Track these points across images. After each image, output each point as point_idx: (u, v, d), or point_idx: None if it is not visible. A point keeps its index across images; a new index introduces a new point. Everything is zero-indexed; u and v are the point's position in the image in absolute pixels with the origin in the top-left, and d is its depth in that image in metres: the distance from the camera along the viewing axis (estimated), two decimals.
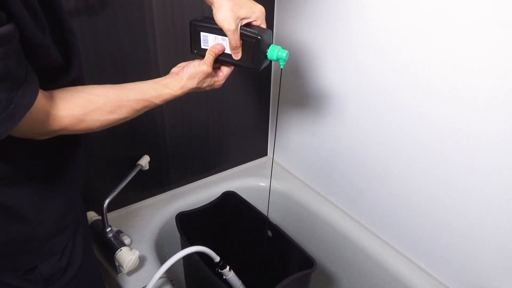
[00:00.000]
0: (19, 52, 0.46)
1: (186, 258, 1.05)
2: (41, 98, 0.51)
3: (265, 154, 1.57)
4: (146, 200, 1.29)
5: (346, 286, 1.28)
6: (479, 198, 0.91)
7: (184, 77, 0.69)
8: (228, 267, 0.99)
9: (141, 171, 1.15)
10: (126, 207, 1.25)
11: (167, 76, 0.70)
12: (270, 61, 0.76)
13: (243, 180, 1.43)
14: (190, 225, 1.08)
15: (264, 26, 0.73)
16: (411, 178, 1.05)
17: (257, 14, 0.72)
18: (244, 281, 1.06)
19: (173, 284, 1.00)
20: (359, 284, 1.22)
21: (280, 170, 1.50)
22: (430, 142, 0.97)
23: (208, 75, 0.71)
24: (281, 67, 0.75)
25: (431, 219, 1.04)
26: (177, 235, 1.06)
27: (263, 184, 1.44)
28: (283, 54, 0.73)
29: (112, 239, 1.01)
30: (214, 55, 0.72)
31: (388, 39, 0.98)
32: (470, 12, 0.81)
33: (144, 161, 1.14)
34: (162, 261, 0.94)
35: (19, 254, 0.63)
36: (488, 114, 0.84)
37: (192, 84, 0.70)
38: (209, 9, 0.71)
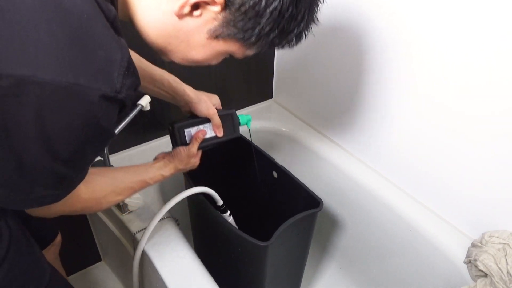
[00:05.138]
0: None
1: (190, 199, 1.05)
2: None
3: (270, 96, 1.52)
4: (148, 142, 1.27)
5: (351, 227, 1.29)
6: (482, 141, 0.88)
7: (174, 161, 0.83)
8: (228, 212, 0.98)
9: (142, 112, 1.11)
10: (128, 150, 1.23)
11: (157, 160, 0.84)
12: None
13: None
14: None
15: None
16: (416, 118, 1.01)
17: (218, 101, 0.93)
18: (250, 222, 1.06)
19: (178, 224, 1.00)
20: (364, 225, 1.23)
21: (284, 112, 1.46)
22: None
23: (193, 157, 0.86)
24: (249, 127, 0.98)
25: (434, 160, 1.02)
26: (181, 178, 1.04)
27: (268, 127, 1.40)
28: (249, 117, 0.97)
29: None
30: (199, 140, 0.87)
31: None
32: None
33: (145, 101, 1.09)
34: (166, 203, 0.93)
35: None
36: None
37: (180, 165, 0.84)
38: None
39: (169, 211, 0.93)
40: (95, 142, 0.49)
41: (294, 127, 1.39)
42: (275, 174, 1.08)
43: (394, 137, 1.11)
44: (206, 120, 0.89)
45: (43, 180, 0.48)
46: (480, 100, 0.88)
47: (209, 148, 0.91)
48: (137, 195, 0.96)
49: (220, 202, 0.96)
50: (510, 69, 0.80)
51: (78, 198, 0.60)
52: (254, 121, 1.40)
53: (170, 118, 1.28)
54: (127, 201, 0.94)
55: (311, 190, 0.97)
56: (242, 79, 1.38)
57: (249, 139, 1.07)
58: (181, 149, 0.85)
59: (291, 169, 1.05)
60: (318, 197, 0.95)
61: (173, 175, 0.84)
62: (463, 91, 0.90)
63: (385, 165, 1.17)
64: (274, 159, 1.08)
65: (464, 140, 0.94)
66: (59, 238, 0.99)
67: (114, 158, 1.19)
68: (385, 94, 1.08)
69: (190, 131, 0.88)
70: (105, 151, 1.01)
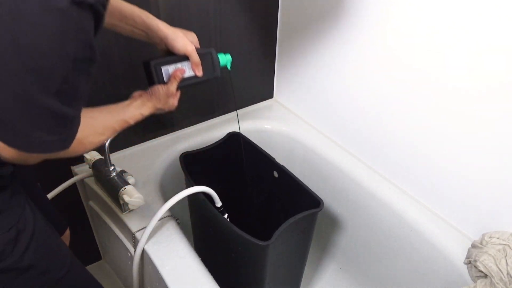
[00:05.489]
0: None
1: (191, 198, 1.05)
2: None
3: (271, 96, 1.52)
4: (148, 141, 1.27)
5: (351, 227, 1.29)
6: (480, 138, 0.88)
7: (152, 99, 0.79)
8: (226, 215, 0.97)
9: None
10: (128, 148, 1.23)
11: (134, 99, 0.79)
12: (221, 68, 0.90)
13: (248, 123, 1.39)
14: (195, 165, 1.06)
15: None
16: (417, 120, 1.01)
17: (196, 39, 0.86)
18: (250, 222, 1.06)
19: (178, 223, 1.00)
20: (364, 225, 1.23)
21: (285, 111, 1.46)
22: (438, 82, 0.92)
23: (171, 96, 0.82)
24: (229, 68, 0.91)
25: (435, 160, 1.02)
26: (182, 177, 1.04)
27: (268, 126, 1.40)
28: (229, 57, 0.90)
29: (116, 178, 0.99)
30: (178, 79, 0.82)
31: None
32: None
33: None
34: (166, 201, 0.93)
35: None
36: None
37: (159, 104, 0.80)
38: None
39: (169, 210, 0.93)
40: (81, 63, 0.48)
41: (295, 127, 1.39)
42: (275, 174, 1.08)
43: (395, 137, 1.11)
44: (184, 58, 0.84)
45: (42, 121, 0.48)
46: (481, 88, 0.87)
47: (187, 86, 0.87)
48: (137, 194, 0.96)
49: (219, 203, 0.96)
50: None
51: None
52: (254, 121, 1.41)
53: (171, 119, 1.29)
54: (127, 200, 0.94)
55: (311, 190, 0.97)
56: (243, 78, 1.38)
57: (246, 134, 1.07)
58: (159, 88, 0.80)
59: (291, 168, 1.05)
60: (318, 197, 0.95)
61: (152, 114, 0.81)
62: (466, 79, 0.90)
63: (385, 165, 1.17)
64: (274, 159, 1.08)
65: (466, 142, 0.94)
66: (68, 232, 0.99)
67: (115, 157, 1.19)
68: (386, 95, 1.08)
69: (167, 69, 0.83)
70: (106, 149, 1.01)
